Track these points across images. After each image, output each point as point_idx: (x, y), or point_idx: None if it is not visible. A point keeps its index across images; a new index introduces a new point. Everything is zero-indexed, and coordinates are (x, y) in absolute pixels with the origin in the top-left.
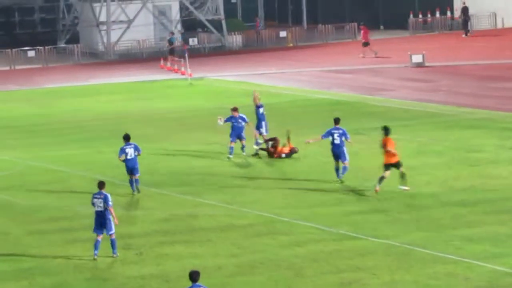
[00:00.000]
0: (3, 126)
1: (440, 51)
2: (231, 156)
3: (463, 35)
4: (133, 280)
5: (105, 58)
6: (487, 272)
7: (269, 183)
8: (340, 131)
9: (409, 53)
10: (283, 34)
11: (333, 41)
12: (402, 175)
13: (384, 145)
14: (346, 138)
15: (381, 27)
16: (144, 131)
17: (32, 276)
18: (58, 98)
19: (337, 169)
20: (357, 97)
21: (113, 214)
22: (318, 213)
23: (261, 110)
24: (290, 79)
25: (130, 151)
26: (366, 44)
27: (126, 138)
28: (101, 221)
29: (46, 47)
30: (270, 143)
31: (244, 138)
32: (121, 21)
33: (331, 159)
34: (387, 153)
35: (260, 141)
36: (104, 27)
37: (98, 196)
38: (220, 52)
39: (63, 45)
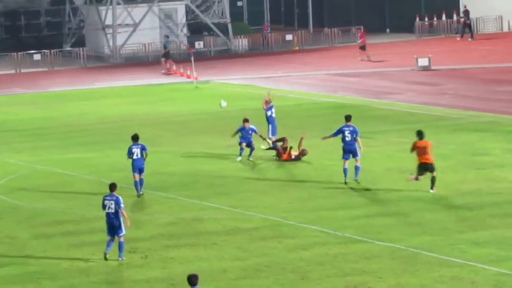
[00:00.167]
0: (9, 130)
1: (446, 55)
2: (240, 158)
3: (470, 39)
4: (138, 284)
5: (110, 62)
6: (493, 276)
7: (274, 186)
8: (351, 128)
9: (415, 56)
10: (289, 37)
11: (339, 45)
12: (433, 179)
13: (422, 148)
14: (356, 135)
15: (387, 30)
16: (149, 134)
17: (38, 280)
18: (63, 102)
19: (345, 170)
20: (363, 101)
21: (125, 215)
22: (323, 216)
23: (268, 113)
24: (296, 83)
25: (137, 151)
26: (363, 47)
27: (134, 138)
28: (111, 223)
29: (52, 51)
30: (279, 143)
31: (253, 147)
32: (127, 25)
33: (336, 162)
34: (425, 155)
35: (263, 147)
36: (110, 31)
37: (109, 198)
38: (226, 55)
39: (69, 48)
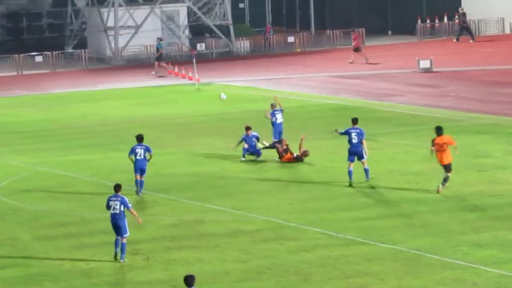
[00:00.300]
0: (11, 131)
1: (448, 57)
2: (243, 159)
3: (470, 41)
4: (140, 286)
5: (112, 63)
6: (495, 278)
7: (276, 188)
8: (358, 131)
9: (417, 58)
10: (291, 39)
11: (341, 47)
12: (446, 179)
13: (442, 144)
14: (362, 138)
15: (389, 32)
16: (151, 136)
17: (40, 282)
18: (65, 103)
19: (350, 172)
20: (365, 103)
21: (135, 214)
22: (325, 218)
23: (273, 119)
24: (297, 84)
25: (140, 152)
26: (357, 49)
27: (139, 138)
28: (116, 224)
29: (54, 53)
30: (278, 146)
31: (260, 153)
32: (128, 26)
33: (338, 164)
34: (444, 152)
35: (260, 145)
36: (112, 32)
37: (115, 199)
38: (227, 57)
39: (70, 50)
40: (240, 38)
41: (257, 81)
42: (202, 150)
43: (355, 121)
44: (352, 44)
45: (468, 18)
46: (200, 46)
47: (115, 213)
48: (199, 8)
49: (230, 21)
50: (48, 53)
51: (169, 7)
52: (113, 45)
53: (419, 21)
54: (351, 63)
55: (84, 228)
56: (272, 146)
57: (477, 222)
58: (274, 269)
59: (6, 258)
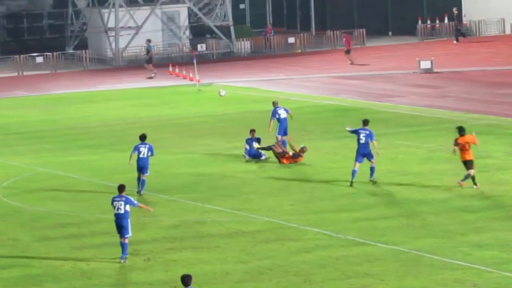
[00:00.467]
0: (12, 132)
1: (449, 57)
2: (246, 157)
3: (454, 41)
4: (141, 286)
5: (113, 64)
6: (496, 278)
7: (277, 189)
8: (367, 132)
9: (417, 59)
10: (291, 40)
11: (342, 47)
12: (467, 176)
13: (465, 144)
14: (371, 139)
15: (390, 33)
16: (152, 137)
17: (40, 283)
18: (66, 104)
19: (354, 171)
20: (365, 103)
21: (144, 206)
22: (326, 219)
23: (276, 115)
24: (298, 85)
25: (144, 150)
26: (348, 51)
27: (142, 137)
28: (119, 224)
29: (55, 53)
30: (274, 148)
31: (260, 156)
32: (129, 27)
33: (338, 164)
34: (467, 150)
35: (257, 145)
36: (113, 33)
37: (119, 199)
38: (228, 58)
39: (71, 51)
40: (241, 39)
41: (257, 82)
42: (203, 151)
43: (365, 122)
44: (345, 45)
45: (468, 18)
46: (201, 47)
47: (119, 213)
48: (200, 9)
49: (230, 22)
50: (49, 54)
51: (170, 8)
52: (113, 46)
53: (419, 21)
54: (351, 64)
55: (85, 229)
56: (268, 148)
57: (477, 223)
58: (275, 270)
59: (7, 258)
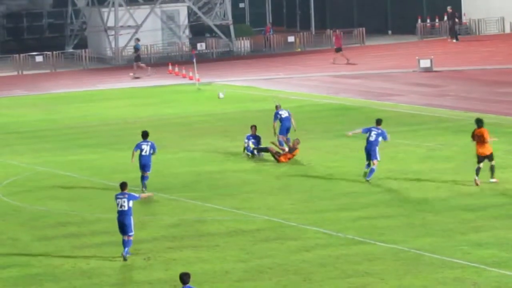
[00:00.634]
0: (11, 132)
1: (448, 56)
2: (248, 153)
3: (453, 40)
4: (141, 285)
5: (113, 63)
6: (495, 277)
7: (276, 188)
8: (379, 131)
9: (417, 58)
10: (291, 39)
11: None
12: (492, 168)
13: (480, 136)
14: (384, 138)
15: (389, 32)
16: (152, 136)
17: (40, 282)
18: (65, 104)
19: (368, 165)
20: (365, 102)
21: (146, 195)
22: (325, 218)
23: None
24: (298, 84)
25: (146, 148)
26: (338, 50)
27: (144, 135)
28: (122, 221)
29: (54, 53)
30: (270, 148)
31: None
32: (129, 26)
33: (338, 164)
34: (483, 144)
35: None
36: (112, 32)
37: (121, 196)
38: (228, 57)
39: (71, 50)
40: (241, 38)
41: (257, 81)
42: (203, 150)
43: (379, 121)
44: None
45: (468, 17)
46: (201, 46)
47: (122, 210)
48: (200, 8)
49: (230, 21)
50: (49, 53)
51: (170, 7)
52: (113, 45)
53: (419, 20)
54: (349, 64)
55: (85, 228)
56: (265, 149)
57: (477, 222)
58: (275, 269)
59: (7, 258)
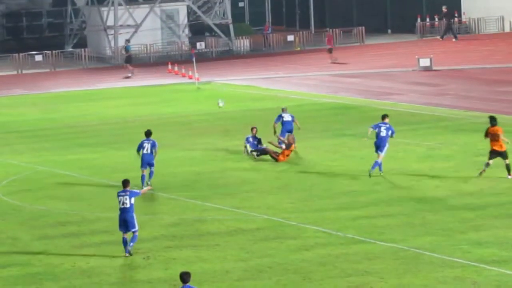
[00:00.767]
0: (11, 131)
1: (448, 55)
2: (248, 150)
3: (441, 39)
4: (140, 285)
5: (112, 63)
6: (495, 276)
7: (276, 187)
8: (387, 125)
9: (416, 57)
10: (290, 38)
11: (341, 45)
12: (507, 167)
13: (494, 134)
14: (392, 133)
15: (389, 31)
16: (152, 135)
17: (40, 281)
18: (65, 103)
19: (376, 163)
20: (365, 101)
21: (146, 190)
22: (325, 217)
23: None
24: (297, 83)
25: (147, 146)
26: (330, 50)
27: (147, 133)
28: (124, 218)
29: (54, 52)
30: (268, 149)
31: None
32: (128, 26)
33: (337, 163)
34: (497, 142)
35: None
36: (112, 32)
37: (123, 194)
38: (227, 56)
39: (70, 49)
40: (240, 37)
41: (257, 80)
42: (202, 149)
43: (384, 117)
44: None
45: (468, 16)
46: (200, 45)
47: (124, 208)
48: (199, 7)
49: (230, 20)
50: (48, 52)
51: (169, 6)
52: (112, 44)
53: (419, 19)
54: (332, 63)
55: (85, 228)
56: (263, 150)
57: (477, 221)
58: (275, 268)
59: (7, 257)
